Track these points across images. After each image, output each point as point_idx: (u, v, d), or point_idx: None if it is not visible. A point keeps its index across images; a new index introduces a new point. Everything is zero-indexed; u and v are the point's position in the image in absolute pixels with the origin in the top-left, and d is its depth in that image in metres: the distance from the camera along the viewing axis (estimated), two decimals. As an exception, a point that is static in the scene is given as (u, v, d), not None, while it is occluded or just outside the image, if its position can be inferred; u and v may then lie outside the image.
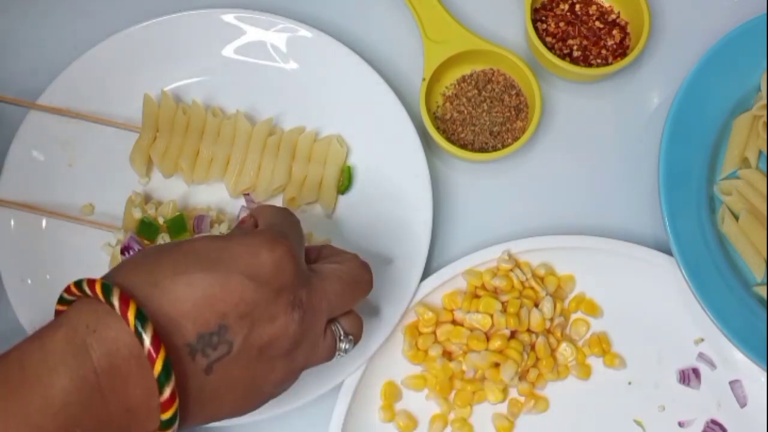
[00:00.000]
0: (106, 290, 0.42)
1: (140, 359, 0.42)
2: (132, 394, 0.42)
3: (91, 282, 0.43)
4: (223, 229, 0.66)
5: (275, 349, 0.46)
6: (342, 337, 0.52)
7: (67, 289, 0.44)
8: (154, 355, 0.41)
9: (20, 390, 0.40)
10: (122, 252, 0.65)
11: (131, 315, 0.41)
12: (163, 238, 0.65)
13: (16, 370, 0.41)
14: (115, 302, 0.42)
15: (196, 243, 0.46)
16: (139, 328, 0.41)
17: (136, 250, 0.64)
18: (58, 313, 0.45)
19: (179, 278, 0.44)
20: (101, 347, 0.41)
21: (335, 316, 0.52)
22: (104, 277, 0.44)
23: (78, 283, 0.43)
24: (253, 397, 0.48)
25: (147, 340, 0.41)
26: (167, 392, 0.42)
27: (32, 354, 0.41)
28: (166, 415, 0.42)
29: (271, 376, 0.47)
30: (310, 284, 0.49)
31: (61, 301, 0.45)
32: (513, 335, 0.65)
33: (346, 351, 0.52)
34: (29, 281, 0.66)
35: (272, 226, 0.50)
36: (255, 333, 0.45)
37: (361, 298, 0.54)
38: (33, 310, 0.66)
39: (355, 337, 0.53)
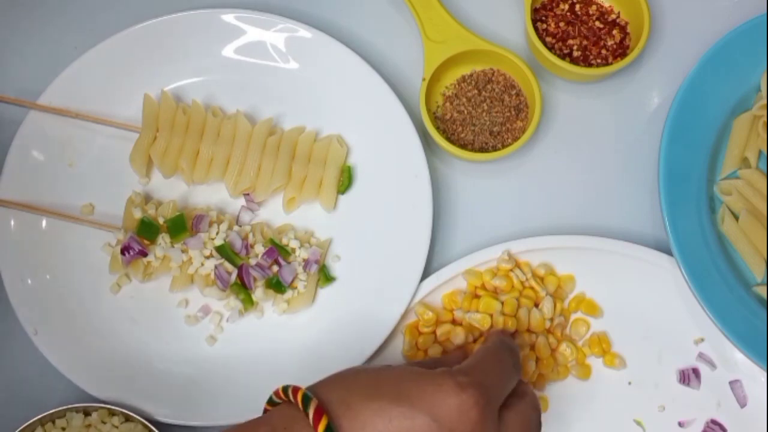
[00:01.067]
0: (306, 400, 0.48)
1: None
2: None
3: (296, 390, 0.49)
4: (223, 228, 0.66)
5: None
6: None
7: (276, 393, 0.50)
8: None
9: None
10: (122, 252, 0.65)
11: (321, 428, 0.46)
12: (163, 238, 0.65)
13: None
14: (311, 413, 0.47)
15: (394, 370, 0.51)
16: None
17: (137, 250, 0.65)
18: (265, 410, 0.52)
19: (371, 404, 0.48)
20: None
21: None
22: (308, 387, 0.50)
23: (285, 388, 0.50)
24: None
25: None
26: None
27: None
28: None
29: None
30: None
31: (270, 401, 0.51)
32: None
33: None
34: (29, 281, 0.66)
35: (473, 368, 0.51)
36: None
37: None
38: (33, 310, 0.66)
39: None
